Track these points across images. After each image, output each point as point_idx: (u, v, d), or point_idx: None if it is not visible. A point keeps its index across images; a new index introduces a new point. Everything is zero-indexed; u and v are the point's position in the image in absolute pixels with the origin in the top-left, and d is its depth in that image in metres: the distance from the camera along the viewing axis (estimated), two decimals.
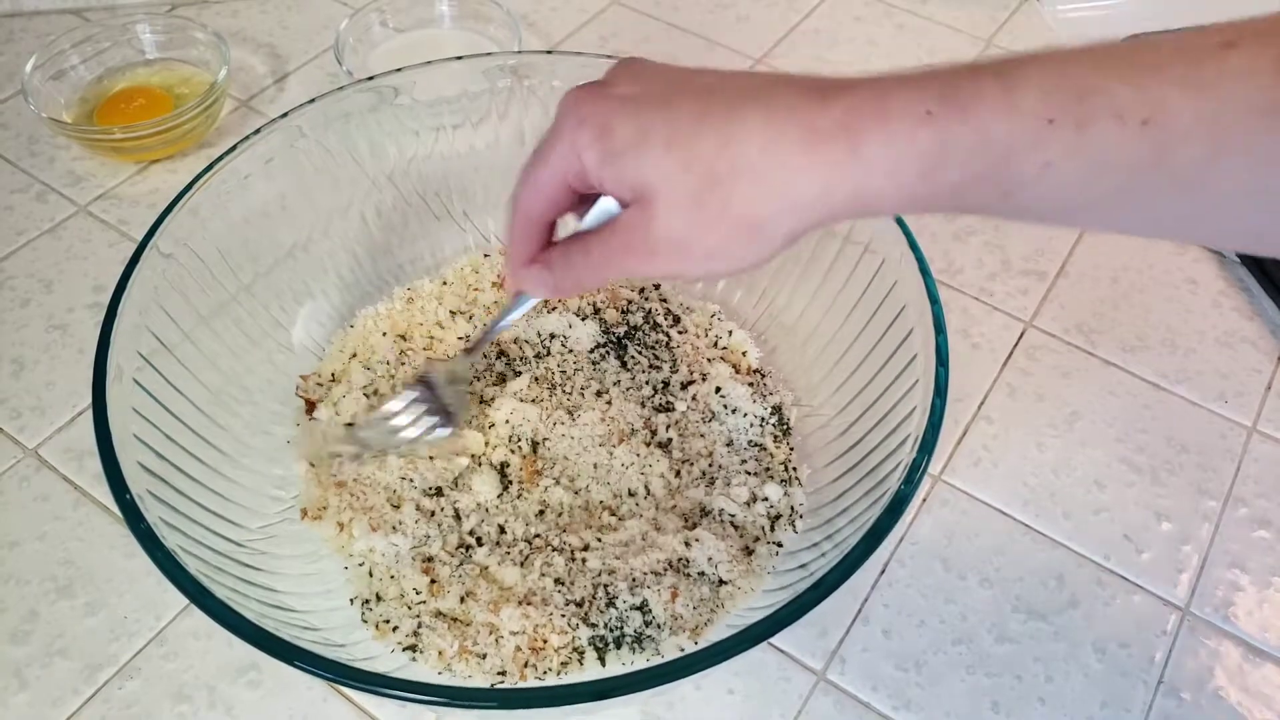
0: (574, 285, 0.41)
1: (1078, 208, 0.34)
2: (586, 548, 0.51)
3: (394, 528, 0.52)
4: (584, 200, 0.40)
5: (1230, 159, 0.31)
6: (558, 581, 0.50)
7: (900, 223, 0.52)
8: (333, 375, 0.59)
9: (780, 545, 0.52)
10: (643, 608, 0.49)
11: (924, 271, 0.49)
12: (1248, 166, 0.31)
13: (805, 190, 0.34)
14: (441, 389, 0.54)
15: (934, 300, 0.48)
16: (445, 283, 0.63)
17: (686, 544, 0.51)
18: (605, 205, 0.39)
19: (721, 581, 0.51)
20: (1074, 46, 0.33)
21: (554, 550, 0.51)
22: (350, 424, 0.56)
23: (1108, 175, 0.32)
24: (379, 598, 0.50)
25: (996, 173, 0.33)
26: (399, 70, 0.60)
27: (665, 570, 0.50)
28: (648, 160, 0.36)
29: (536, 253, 0.42)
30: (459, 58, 0.61)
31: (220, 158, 0.54)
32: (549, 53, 0.62)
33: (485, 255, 0.65)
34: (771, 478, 0.55)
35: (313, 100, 0.58)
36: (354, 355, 0.60)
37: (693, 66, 0.39)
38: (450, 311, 0.61)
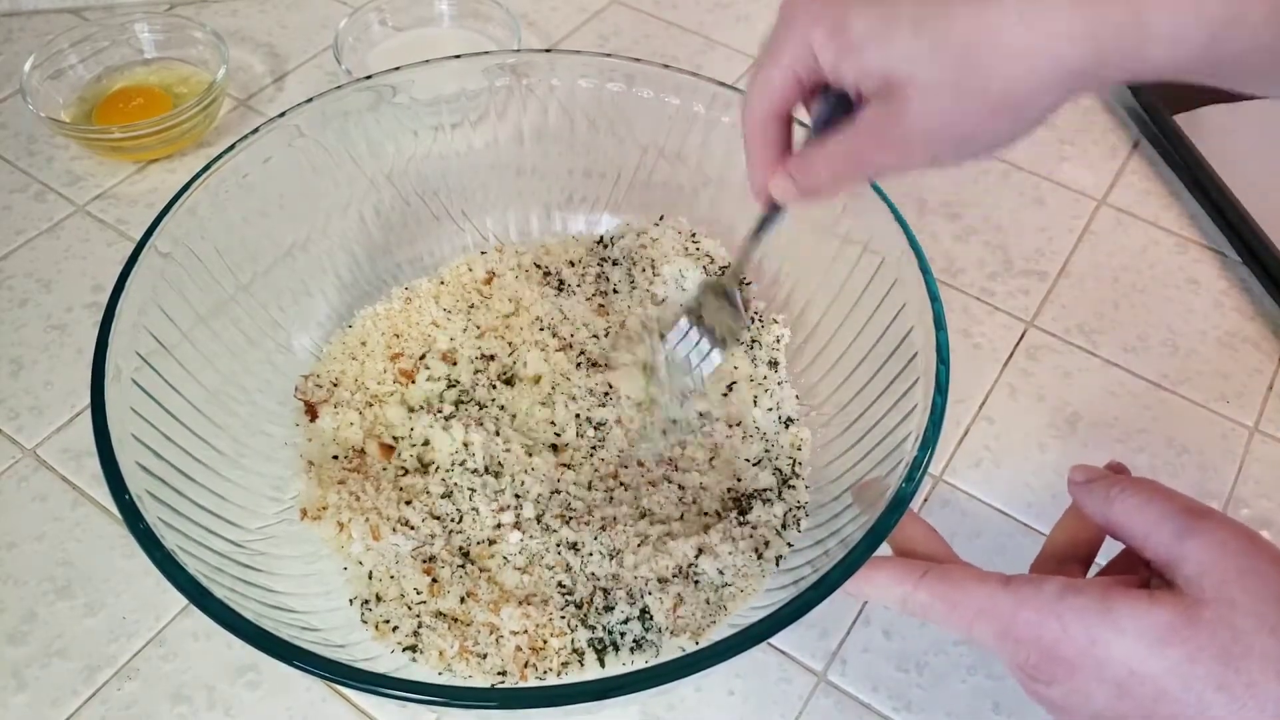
0: (819, 189, 0.40)
1: None
2: (591, 551, 0.51)
3: (394, 529, 0.51)
4: (814, 94, 0.39)
5: None
6: (560, 585, 0.50)
7: (900, 222, 0.51)
8: (335, 381, 0.58)
9: (790, 545, 0.52)
10: (644, 612, 0.49)
11: (924, 270, 0.49)
12: None
13: (1075, 61, 0.32)
14: (709, 312, 0.54)
15: (934, 298, 0.48)
16: (443, 282, 0.63)
17: (699, 551, 0.51)
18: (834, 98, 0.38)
19: (725, 584, 0.51)
20: None
21: (558, 549, 0.51)
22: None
23: None
24: (379, 598, 0.50)
25: None
26: (397, 69, 0.59)
27: (673, 577, 0.50)
28: (894, 48, 0.34)
29: (778, 154, 0.41)
30: (458, 57, 0.61)
31: (219, 157, 0.54)
32: (548, 51, 0.62)
33: (482, 253, 0.65)
34: (779, 473, 0.55)
35: (311, 99, 0.57)
36: (353, 358, 0.59)
37: None
38: (445, 310, 0.61)
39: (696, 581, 0.50)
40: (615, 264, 0.64)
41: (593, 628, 0.49)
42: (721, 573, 0.51)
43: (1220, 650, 0.33)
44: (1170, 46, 0.31)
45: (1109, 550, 0.42)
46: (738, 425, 0.57)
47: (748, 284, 0.62)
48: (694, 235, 0.64)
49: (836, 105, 0.39)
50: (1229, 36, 0.31)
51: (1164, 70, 0.32)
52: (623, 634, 0.49)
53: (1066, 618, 0.35)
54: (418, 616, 0.49)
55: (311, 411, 0.57)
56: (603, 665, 0.48)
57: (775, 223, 0.47)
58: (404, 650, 0.48)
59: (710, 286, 0.55)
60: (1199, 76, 0.33)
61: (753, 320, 0.61)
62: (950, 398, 0.45)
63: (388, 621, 0.49)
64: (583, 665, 0.48)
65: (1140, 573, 0.38)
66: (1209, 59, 0.32)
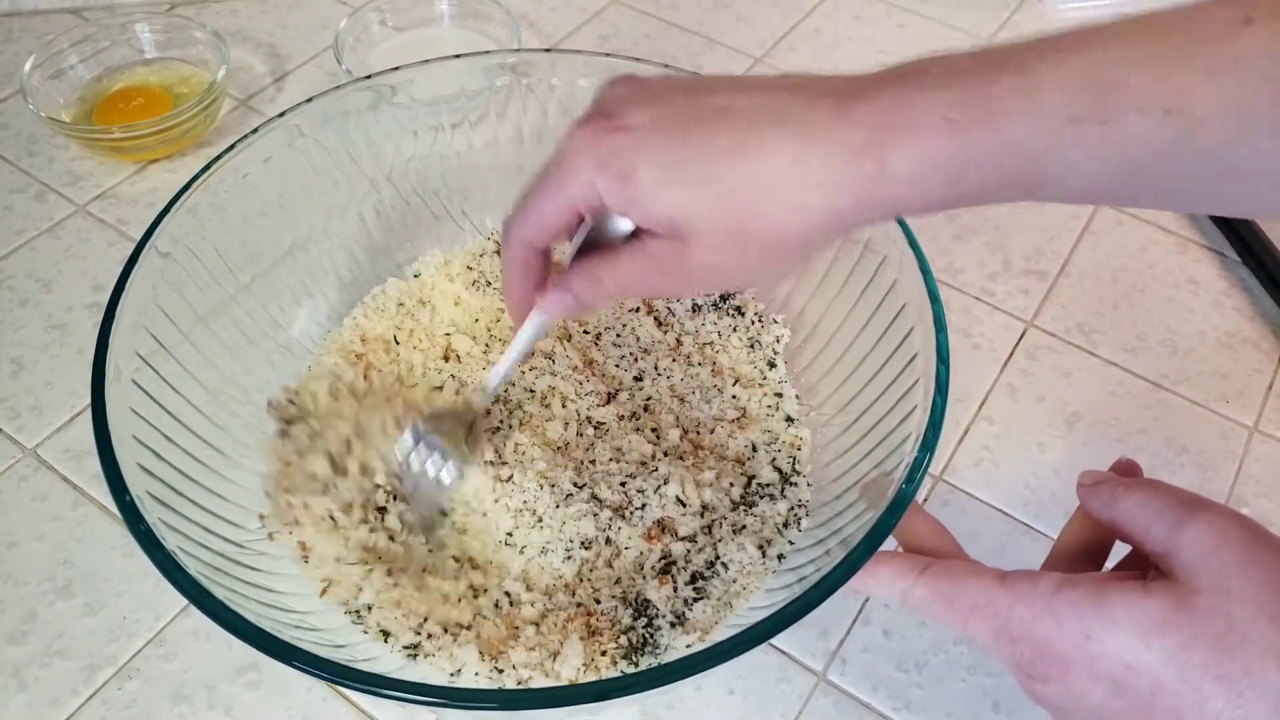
0: (599, 301, 0.42)
1: (1102, 195, 0.35)
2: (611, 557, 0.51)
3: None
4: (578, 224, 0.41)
5: (1257, 139, 0.31)
6: (566, 614, 0.50)
7: (900, 222, 0.51)
8: (312, 398, 0.57)
9: (791, 544, 0.52)
10: (653, 615, 0.49)
11: (924, 270, 0.49)
12: (1276, 144, 0.31)
13: (838, 206, 0.35)
14: (444, 430, 0.52)
15: (934, 298, 0.48)
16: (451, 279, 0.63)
17: (715, 550, 0.51)
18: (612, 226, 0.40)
19: (732, 580, 0.51)
20: (1089, 28, 0.33)
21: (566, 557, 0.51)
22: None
23: (1132, 164, 0.33)
24: (369, 608, 0.50)
25: (1020, 173, 0.33)
26: (397, 69, 0.59)
27: (693, 576, 0.51)
28: (677, 199, 0.36)
29: (539, 281, 0.43)
30: (458, 56, 0.61)
31: (219, 157, 0.54)
32: (548, 51, 0.62)
33: (482, 255, 0.65)
34: (779, 472, 0.55)
35: (311, 99, 0.57)
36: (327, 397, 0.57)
37: (689, 77, 0.39)
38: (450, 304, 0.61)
39: (709, 579, 0.51)
40: None
41: (628, 628, 0.49)
42: (726, 567, 0.51)
43: (1215, 638, 0.33)
44: (916, 187, 0.34)
45: (1119, 556, 0.42)
46: (736, 424, 0.57)
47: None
48: None
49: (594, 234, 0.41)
50: (966, 173, 0.34)
51: (921, 207, 0.35)
52: (646, 638, 0.49)
53: (1061, 612, 0.35)
54: (418, 630, 0.49)
55: (290, 426, 0.55)
56: (616, 667, 0.48)
57: (532, 338, 0.46)
58: (404, 649, 0.48)
59: (443, 407, 0.53)
60: (959, 207, 0.36)
61: (754, 321, 0.61)
62: (950, 398, 0.45)
63: (385, 632, 0.49)
64: (600, 672, 0.48)
65: (1144, 570, 0.38)
66: (956, 194, 0.34)
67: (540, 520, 0.51)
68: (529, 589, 0.50)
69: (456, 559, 0.51)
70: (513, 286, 0.44)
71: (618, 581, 0.51)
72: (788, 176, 0.35)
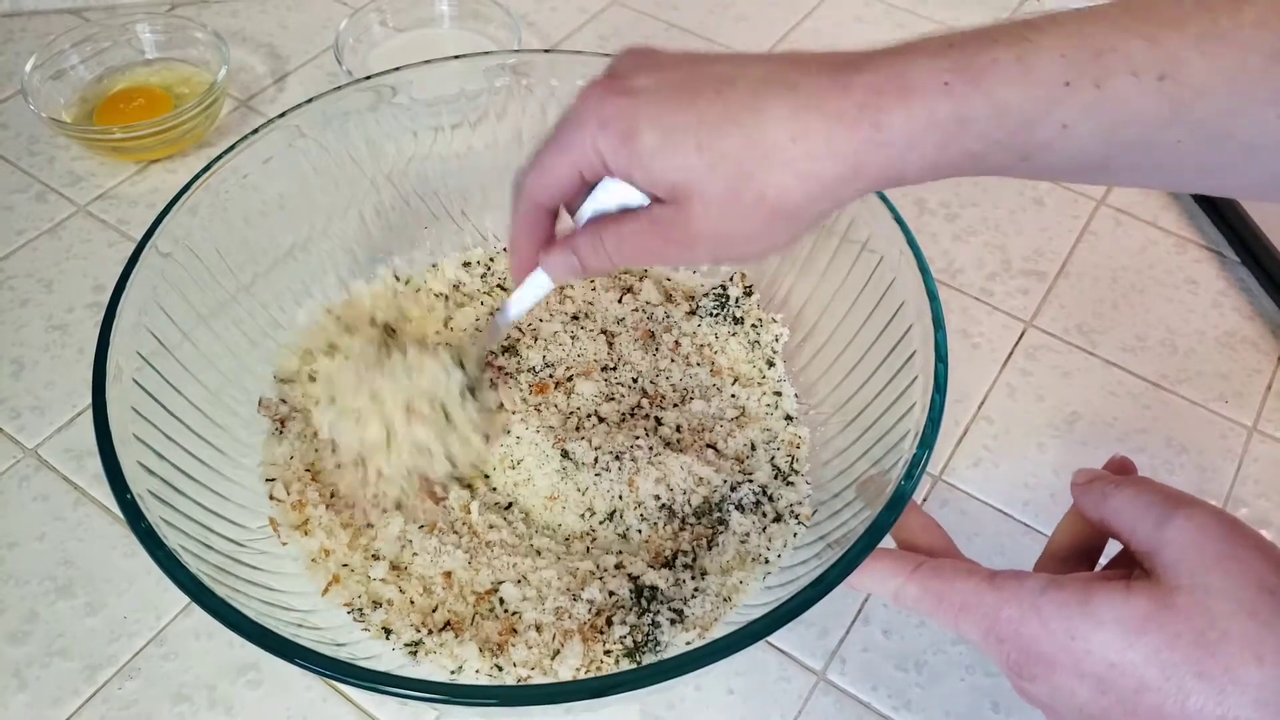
0: (601, 268, 0.41)
1: (1098, 165, 0.35)
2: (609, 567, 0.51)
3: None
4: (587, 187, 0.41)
5: (1255, 110, 0.32)
6: (562, 612, 0.50)
7: (899, 221, 0.52)
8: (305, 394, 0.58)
9: (790, 540, 0.52)
10: (656, 610, 0.49)
11: (923, 269, 0.49)
12: (1275, 116, 0.32)
13: (835, 173, 0.35)
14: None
15: (933, 296, 0.48)
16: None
17: (709, 546, 0.51)
18: (605, 193, 0.40)
19: (730, 578, 0.51)
20: (1091, 7, 0.34)
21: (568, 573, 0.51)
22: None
23: (1126, 131, 0.33)
24: (375, 604, 0.50)
25: (1015, 138, 0.34)
26: (397, 69, 0.59)
27: (691, 575, 0.51)
28: (678, 162, 0.36)
29: (544, 240, 0.43)
30: (457, 57, 0.61)
31: (219, 157, 0.54)
32: (548, 52, 0.62)
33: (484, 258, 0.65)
34: (778, 471, 0.55)
35: (311, 100, 0.58)
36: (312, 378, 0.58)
37: (702, 52, 0.39)
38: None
39: (705, 575, 0.51)
40: None
41: (632, 626, 0.49)
42: (725, 568, 0.51)
43: (1196, 635, 0.33)
44: (910, 151, 0.34)
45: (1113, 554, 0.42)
46: (735, 422, 0.57)
47: (749, 293, 0.62)
48: None
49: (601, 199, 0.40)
50: (960, 137, 0.34)
51: (917, 173, 0.36)
52: (648, 636, 0.49)
53: (1046, 612, 0.35)
54: (420, 628, 0.49)
55: (284, 426, 0.56)
56: (617, 665, 0.48)
57: (536, 298, 0.46)
58: (405, 648, 0.48)
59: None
60: (957, 174, 0.36)
61: (753, 321, 0.61)
62: (949, 397, 0.45)
63: (386, 629, 0.49)
64: (601, 670, 0.48)
65: (1133, 569, 0.38)
66: (951, 160, 0.35)
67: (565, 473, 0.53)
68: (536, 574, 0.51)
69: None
70: (518, 243, 0.43)
71: (619, 566, 0.51)
72: (786, 143, 0.35)
